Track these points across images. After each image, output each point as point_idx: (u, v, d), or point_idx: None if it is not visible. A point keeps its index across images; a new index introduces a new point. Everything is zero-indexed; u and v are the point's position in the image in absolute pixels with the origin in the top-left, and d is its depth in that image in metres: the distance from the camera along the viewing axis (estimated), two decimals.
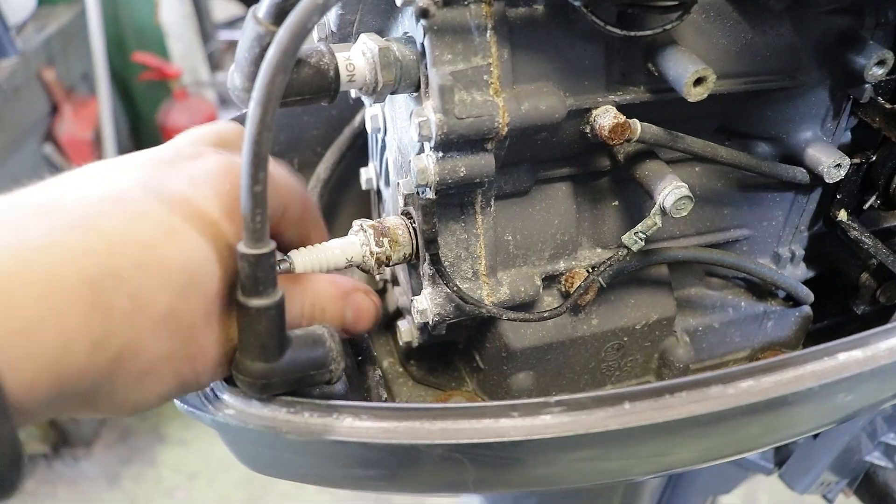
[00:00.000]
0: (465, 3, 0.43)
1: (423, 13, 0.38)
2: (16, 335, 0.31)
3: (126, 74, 2.62)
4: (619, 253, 0.53)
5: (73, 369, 0.33)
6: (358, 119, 0.72)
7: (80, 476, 2.26)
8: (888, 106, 0.54)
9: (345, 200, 0.74)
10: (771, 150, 0.59)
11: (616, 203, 0.56)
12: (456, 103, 0.43)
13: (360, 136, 0.73)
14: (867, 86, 0.53)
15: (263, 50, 0.39)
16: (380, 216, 0.69)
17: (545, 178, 0.53)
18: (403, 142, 0.53)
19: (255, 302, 0.39)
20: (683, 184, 0.49)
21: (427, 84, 0.44)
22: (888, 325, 0.46)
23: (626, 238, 0.51)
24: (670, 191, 0.49)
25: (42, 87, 2.19)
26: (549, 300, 0.56)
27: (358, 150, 0.73)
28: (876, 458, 0.85)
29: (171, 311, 0.37)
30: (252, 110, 0.36)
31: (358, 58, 0.44)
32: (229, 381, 0.44)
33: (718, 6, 0.50)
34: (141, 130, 2.77)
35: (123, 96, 2.67)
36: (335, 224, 0.73)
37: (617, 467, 0.46)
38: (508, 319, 0.51)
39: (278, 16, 0.38)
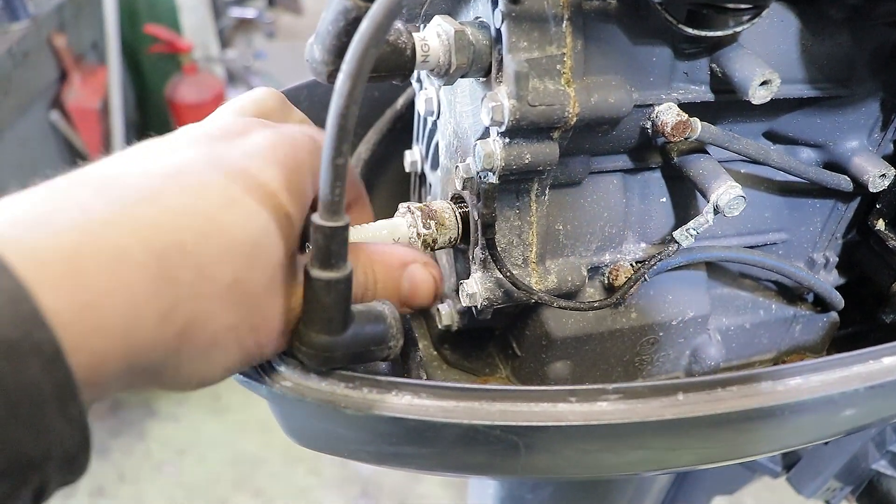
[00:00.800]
0: None
1: None
2: (85, 309, 0.31)
3: (136, 46, 2.60)
4: (669, 248, 0.53)
5: (141, 342, 0.33)
6: (401, 101, 0.72)
7: None
8: None
9: (381, 181, 0.74)
10: (815, 157, 0.60)
11: (664, 199, 0.57)
12: (530, 90, 0.43)
13: (401, 118, 0.73)
14: None
15: (348, 24, 0.39)
16: (421, 199, 0.69)
17: (598, 169, 0.54)
18: (462, 126, 0.53)
19: (326, 274, 0.39)
20: (737, 184, 0.50)
21: (499, 69, 0.45)
22: None
23: (678, 234, 0.52)
24: (725, 190, 0.49)
25: (52, 53, 2.16)
26: (591, 291, 0.57)
27: (397, 133, 0.73)
28: (882, 466, 0.86)
29: (235, 280, 0.37)
30: (341, 83, 0.36)
31: (433, 39, 0.45)
32: (286, 352, 0.44)
33: (781, 11, 0.51)
34: (148, 103, 2.75)
35: (132, 67, 2.65)
36: (371, 204, 0.73)
37: (662, 457, 0.46)
38: (560, 307, 0.51)
39: None
